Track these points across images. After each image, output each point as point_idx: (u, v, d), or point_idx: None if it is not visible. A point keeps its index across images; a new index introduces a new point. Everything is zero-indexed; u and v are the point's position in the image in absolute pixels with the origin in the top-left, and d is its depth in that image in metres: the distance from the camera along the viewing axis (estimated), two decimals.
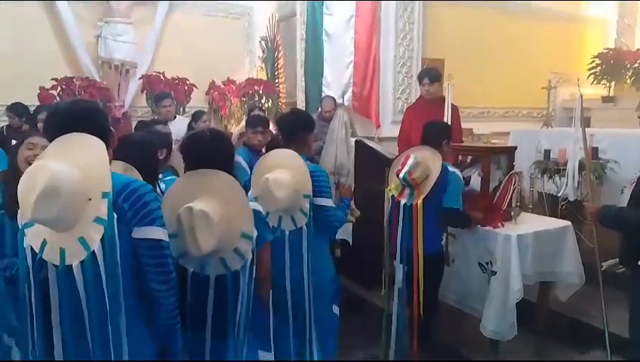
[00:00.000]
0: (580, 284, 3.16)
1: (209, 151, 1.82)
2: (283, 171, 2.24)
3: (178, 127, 4.42)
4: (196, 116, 4.74)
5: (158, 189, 2.02)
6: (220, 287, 1.71)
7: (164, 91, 5.41)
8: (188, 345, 1.71)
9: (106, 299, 1.36)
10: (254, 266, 1.77)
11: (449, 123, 3.91)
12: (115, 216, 1.37)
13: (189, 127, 4.62)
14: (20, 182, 1.34)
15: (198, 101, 5.85)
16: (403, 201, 2.82)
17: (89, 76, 5.25)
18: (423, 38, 5.62)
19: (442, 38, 5.86)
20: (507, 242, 2.91)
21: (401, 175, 2.76)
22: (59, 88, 4.91)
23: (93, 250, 1.35)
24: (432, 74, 4.25)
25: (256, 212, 1.79)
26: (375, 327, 3.12)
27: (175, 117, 4.84)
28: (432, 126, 3.00)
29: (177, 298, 1.52)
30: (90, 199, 1.36)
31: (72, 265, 1.35)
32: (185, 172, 1.89)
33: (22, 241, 1.44)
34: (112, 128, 1.57)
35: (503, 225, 3.05)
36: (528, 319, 3.21)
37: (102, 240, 1.35)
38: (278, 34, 6.25)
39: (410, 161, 2.74)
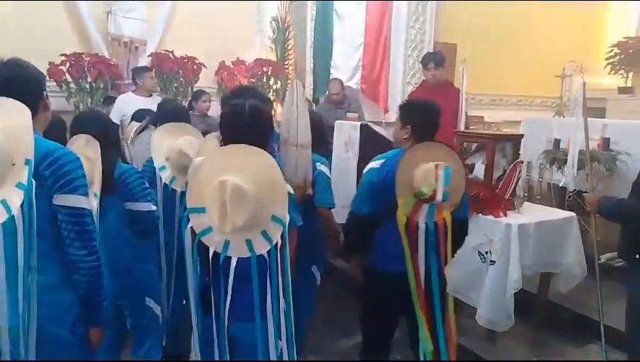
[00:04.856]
0: (582, 276, 3.11)
1: (245, 124, 1.76)
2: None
3: (154, 106, 4.29)
4: (196, 95, 4.75)
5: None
6: (243, 271, 1.63)
7: (172, 69, 5.42)
8: (204, 325, 1.71)
9: (20, 262, 1.40)
10: (285, 252, 1.68)
11: (463, 110, 3.84)
12: (35, 182, 1.41)
13: (190, 105, 4.63)
14: None
15: (208, 81, 5.83)
16: (422, 221, 2.10)
17: (98, 52, 5.24)
18: (435, 21, 5.51)
19: (455, 21, 5.73)
20: (508, 231, 2.87)
21: (439, 197, 2.02)
22: (68, 64, 4.91)
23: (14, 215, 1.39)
24: (437, 58, 4.17)
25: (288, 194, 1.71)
26: None
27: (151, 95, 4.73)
28: (435, 110, 2.28)
29: (100, 264, 1.55)
30: (14, 164, 1.40)
31: None
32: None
33: None
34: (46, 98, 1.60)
35: (505, 214, 3.01)
36: (527, 309, 3.18)
37: (22, 205, 1.39)
38: (289, 14, 6.17)
39: (443, 173, 2.01)
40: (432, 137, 2.22)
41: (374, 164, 2.25)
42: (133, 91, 4.79)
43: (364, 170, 2.29)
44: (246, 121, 1.77)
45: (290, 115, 2.27)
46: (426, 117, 2.25)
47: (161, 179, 2.49)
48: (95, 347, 1.64)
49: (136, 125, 3.06)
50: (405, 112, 2.31)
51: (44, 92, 1.60)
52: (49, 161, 1.45)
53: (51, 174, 1.45)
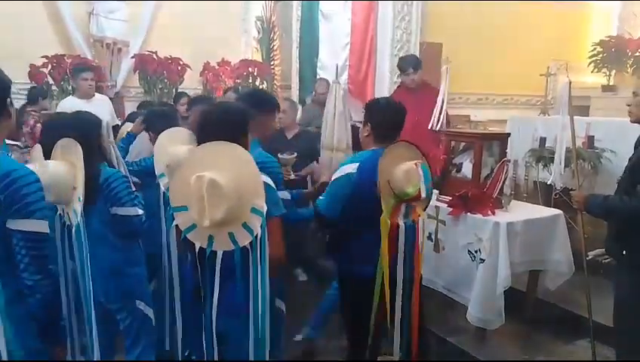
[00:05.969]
0: (570, 273, 3.14)
1: (216, 123, 1.83)
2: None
3: (96, 109, 4.21)
4: (176, 98, 4.69)
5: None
6: (228, 263, 1.66)
7: (156, 71, 5.35)
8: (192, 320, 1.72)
9: None
10: (265, 244, 1.71)
11: (443, 109, 3.85)
12: None
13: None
14: None
15: (193, 82, 5.76)
16: (402, 222, 2.13)
17: (81, 54, 5.16)
18: (421, 21, 5.52)
19: (441, 21, 5.75)
20: (496, 229, 2.88)
21: (424, 195, 2.07)
22: (49, 66, 4.83)
23: None
24: (416, 62, 4.20)
25: (265, 185, 1.73)
26: None
27: (94, 95, 4.46)
28: (395, 109, 2.28)
29: (55, 287, 1.51)
30: None
31: None
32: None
33: None
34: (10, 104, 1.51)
35: (493, 213, 3.01)
36: (516, 307, 3.19)
37: None
38: (274, 14, 6.13)
39: (422, 172, 2.05)
40: (395, 136, 2.22)
41: (349, 168, 2.19)
42: (73, 94, 4.50)
43: (340, 174, 2.21)
44: (213, 119, 1.85)
45: (327, 120, 2.26)
46: (385, 115, 2.25)
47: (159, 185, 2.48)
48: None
49: (129, 126, 3.02)
50: (366, 111, 2.33)
51: (9, 99, 1.51)
52: (6, 183, 1.35)
53: (6, 197, 1.36)
